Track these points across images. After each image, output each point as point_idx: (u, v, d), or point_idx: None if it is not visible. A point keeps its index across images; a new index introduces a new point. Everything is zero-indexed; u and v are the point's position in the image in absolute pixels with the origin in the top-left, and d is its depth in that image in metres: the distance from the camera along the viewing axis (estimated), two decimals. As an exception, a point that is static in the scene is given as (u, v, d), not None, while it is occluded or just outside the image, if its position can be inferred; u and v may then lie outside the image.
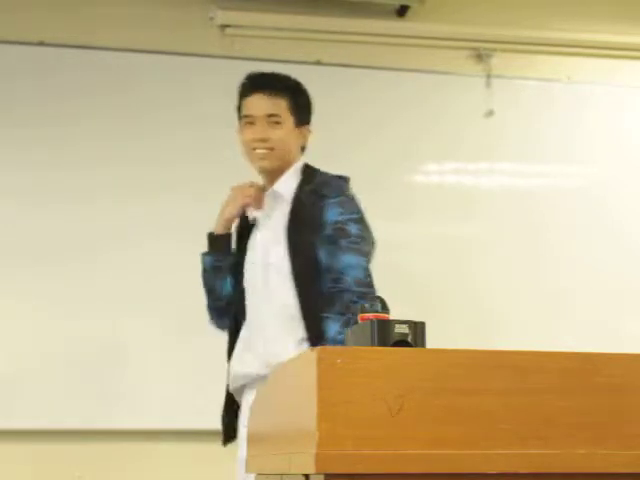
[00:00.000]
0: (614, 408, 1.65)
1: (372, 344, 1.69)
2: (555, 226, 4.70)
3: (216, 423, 4.16)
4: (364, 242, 2.74)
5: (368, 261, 2.74)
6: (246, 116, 2.88)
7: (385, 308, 1.86)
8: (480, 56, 4.80)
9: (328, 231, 2.73)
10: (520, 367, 1.63)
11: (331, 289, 2.68)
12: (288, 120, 2.85)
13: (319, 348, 1.57)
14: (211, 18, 4.55)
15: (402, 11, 4.75)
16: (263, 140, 2.82)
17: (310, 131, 2.95)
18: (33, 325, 4.16)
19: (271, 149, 2.82)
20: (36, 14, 4.40)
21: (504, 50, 4.79)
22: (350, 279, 2.67)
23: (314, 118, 4.78)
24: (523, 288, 4.59)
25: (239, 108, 2.94)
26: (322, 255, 2.72)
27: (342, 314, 2.63)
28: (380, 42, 4.69)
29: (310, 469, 1.53)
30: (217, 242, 2.95)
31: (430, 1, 4.70)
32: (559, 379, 1.64)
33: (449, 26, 4.79)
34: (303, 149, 2.94)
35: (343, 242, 2.71)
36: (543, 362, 1.65)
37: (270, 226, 2.84)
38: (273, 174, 2.87)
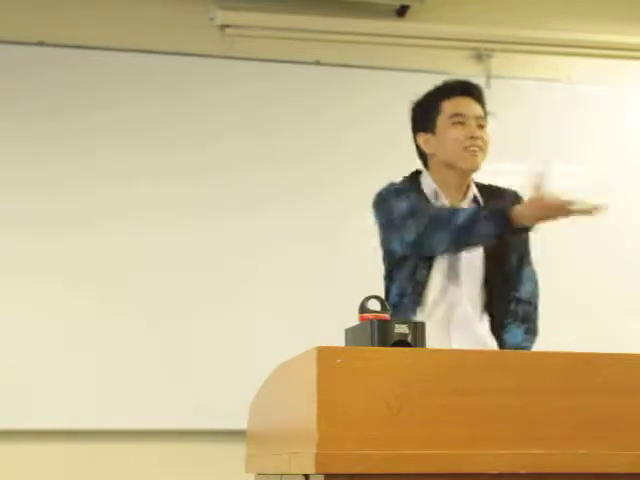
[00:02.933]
0: (614, 408, 1.65)
1: (372, 344, 1.69)
2: (554, 226, 4.69)
3: (216, 423, 4.19)
4: None
5: None
6: (456, 115, 2.88)
7: (385, 308, 1.85)
8: (480, 56, 4.80)
9: (516, 241, 2.94)
10: (520, 367, 1.63)
11: (510, 298, 2.90)
12: (486, 124, 2.92)
13: (319, 348, 1.57)
14: (211, 18, 4.55)
15: (402, 11, 4.75)
16: (477, 138, 2.86)
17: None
18: (33, 325, 4.16)
19: (481, 149, 2.87)
20: (36, 14, 4.40)
21: (504, 50, 4.79)
22: (527, 291, 3.00)
23: (315, 117, 4.81)
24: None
25: (431, 111, 2.94)
26: (509, 263, 2.93)
27: (523, 322, 2.94)
28: (380, 42, 4.69)
29: (310, 469, 1.53)
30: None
31: (430, 1, 4.70)
32: (559, 379, 1.64)
33: (449, 26, 4.79)
34: None
35: (528, 253, 3.04)
36: (543, 362, 1.65)
37: None
38: (468, 179, 2.93)
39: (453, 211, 2.77)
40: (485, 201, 2.92)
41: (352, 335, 1.81)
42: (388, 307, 1.86)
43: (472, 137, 2.85)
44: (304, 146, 4.51)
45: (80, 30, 4.42)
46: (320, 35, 4.63)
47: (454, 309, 2.80)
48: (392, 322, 1.71)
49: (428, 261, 2.81)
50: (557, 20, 4.90)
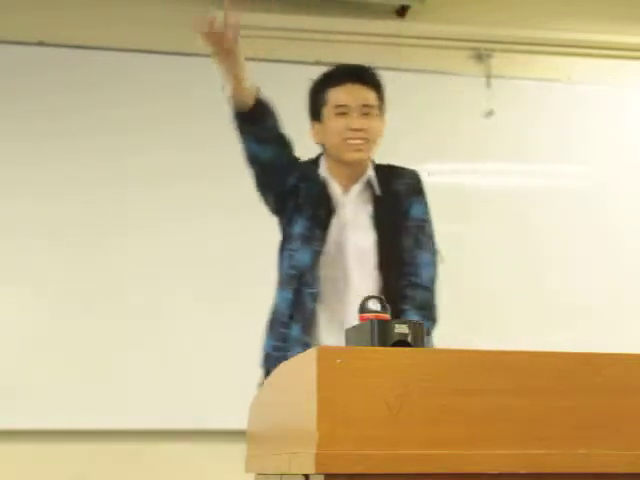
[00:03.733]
0: (614, 408, 1.65)
1: (372, 344, 1.69)
2: (555, 226, 4.70)
3: (216, 423, 4.19)
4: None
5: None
6: (339, 106, 2.79)
7: (385, 308, 1.85)
8: (480, 56, 4.80)
9: (411, 225, 2.81)
10: (520, 367, 1.63)
11: (405, 283, 2.74)
12: (377, 112, 2.81)
13: (319, 348, 1.57)
14: (211, 18, 4.55)
15: (402, 11, 4.75)
16: (360, 130, 2.76)
17: (386, 122, 2.89)
18: (33, 325, 4.16)
19: (366, 140, 2.78)
20: (36, 14, 4.40)
21: (504, 50, 4.79)
22: (424, 275, 2.78)
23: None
24: (522, 288, 4.58)
25: (319, 101, 2.87)
26: (403, 248, 2.78)
27: (421, 309, 2.73)
28: (380, 42, 4.69)
29: (310, 469, 1.53)
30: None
31: (430, 1, 4.70)
32: (559, 379, 1.64)
33: (449, 26, 4.79)
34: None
35: (423, 239, 2.81)
36: (543, 362, 1.65)
37: (357, 210, 2.81)
38: (360, 165, 2.82)
39: None
40: (382, 183, 2.82)
41: (352, 335, 1.81)
42: (388, 307, 1.86)
43: (352, 129, 2.75)
44: (303, 145, 4.49)
45: (80, 30, 4.42)
46: (320, 35, 4.63)
47: (345, 297, 2.72)
48: (392, 322, 1.71)
49: (310, 246, 2.77)
50: (557, 20, 4.91)
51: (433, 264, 2.81)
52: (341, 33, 4.66)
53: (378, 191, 2.81)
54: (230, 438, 3.85)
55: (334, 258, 2.75)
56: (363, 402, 1.54)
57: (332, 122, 2.79)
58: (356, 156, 2.78)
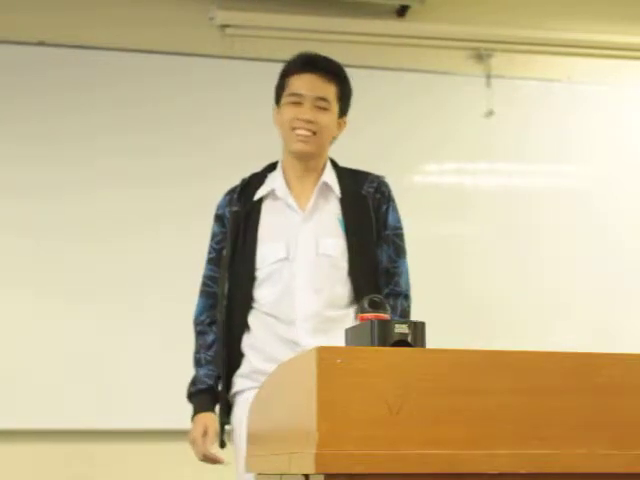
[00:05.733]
0: (614, 408, 1.65)
1: (372, 344, 1.69)
2: (555, 226, 4.70)
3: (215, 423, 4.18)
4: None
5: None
6: (293, 94, 2.74)
7: (384, 308, 1.85)
8: (480, 56, 4.80)
9: (390, 233, 2.76)
10: (520, 367, 1.63)
11: (388, 292, 2.71)
12: (334, 107, 2.75)
13: (319, 348, 1.57)
14: (211, 18, 4.56)
15: (402, 11, 4.75)
16: (309, 122, 2.70)
17: (346, 123, 2.85)
18: (33, 325, 4.16)
19: (314, 133, 2.71)
20: (36, 14, 4.41)
21: (504, 50, 4.79)
22: (404, 284, 2.75)
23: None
24: (523, 288, 4.59)
25: (281, 86, 2.82)
26: (383, 257, 2.73)
27: (402, 317, 2.69)
28: (380, 42, 4.69)
29: (310, 469, 1.53)
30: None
31: (430, 1, 4.71)
32: (559, 379, 1.64)
33: (449, 26, 4.79)
34: (333, 140, 2.86)
35: (403, 246, 2.77)
36: (543, 362, 1.65)
37: (321, 217, 2.73)
38: (307, 160, 2.76)
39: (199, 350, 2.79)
40: (342, 187, 2.74)
41: (352, 335, 1.81)
42: (388, 307, 1.86)
43: (300, 119, 2.70)
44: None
45: (80, 30, 4.42)
46: (320, 35, 4.62)
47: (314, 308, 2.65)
48: (392, 322, 1.71)
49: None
50: (557, 20, 4.91)
51: (408, 271, 2.78)
52: (341, 33, 4.66)
53: (339, 193, 2.74)
54: (230, 438, 3.85)
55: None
56: (363, 402, 1.54)
57: (285, 109, 2.76)
58: (299, 147, 2.72)
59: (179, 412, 4.17)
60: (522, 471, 1.57)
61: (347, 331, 1.84)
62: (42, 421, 4.11)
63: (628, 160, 4.86)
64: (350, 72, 4.64)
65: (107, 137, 4.35)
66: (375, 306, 1.83)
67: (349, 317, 2.59)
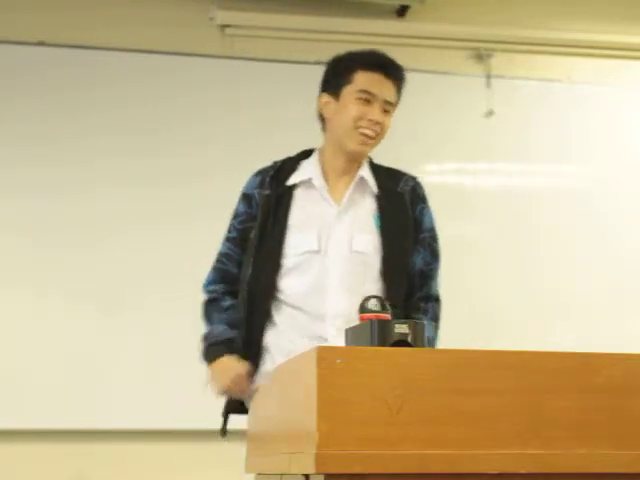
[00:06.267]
0: (614, 408, 1.65)
1: (372, 344, 1.69)
2: (555, 226, 4.70)
3: (216, 423, 4.18)
4: None
5: None
6: (364, 91, 2.62)
7: (385, 308, 1.85)
8: (480, 56, 4.80)
9: (426, 236, 2.72)
10: (520, 367, 1.63)
11: (421, 295, 2.67)
12: (392, 111, 2.69)
13: (319, 348, 1.57)
14: (211, 18, 4.56)
15: (402, 11, 4.75)
16: (377, 123, 2.62)
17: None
18: (33, 325, 4.16)
19: (377, 135, 2.64)
20: (36, 14, 4.41)
21: (504, 50, 4.79)
22: (435, 287, 2.72)
23: (315, 117, 4.79)
24: (523, 288, 4.58)
25: (343, 77, 2.68)
26: (417, 259, 2.68)
27: (434, 320, 2.65)
28: (380, 42, 4.66)
29: (310, 469, 1.53)
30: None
31: (430, 1, 4.70)
32: (559, 379, 1.64)
33: (449, 26, 4.79)
34: None
35: (437, 250, 2.74)
36: (543, 362, 1.65)
37: (356, 213, 2.64)
38: (358, 160, 2.69)
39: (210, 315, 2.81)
40: (378, 184, 2.68)
41: (352, 335, 1.81)
42: (388, 307, 1.86)
43: (371, 120, 2.61)
44: (304, 146, 4.50)
45: (80, 30, 4.42)
46: (320, 35, 4.63)
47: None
48: (392, 322, 1.71)
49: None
50: (557, 20, 4.91)
51: (437, 276, 2.75)
52: (341, 33, 4.65)
53: (375, 190, 2.67)
54: (230, 438, 3.85)
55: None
56: (363, 402, 1.54)
57: (351, 106, 2.62)
58: (360, 149, 2.65)
59: (179, 412, 4.19)
60: (522, 471, 1.57)
61: (347, 331, 1.84)
62: (42, 421, 4.11)
63: (628, 160, 4.86)
64: (350, 72, 4.69)
65: (107, 137, 4.35)
66: (375, 306, 1.83)
67: None
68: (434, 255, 2.73)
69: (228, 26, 4.57)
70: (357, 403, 1.54)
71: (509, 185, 4.78)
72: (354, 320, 2.53)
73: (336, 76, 2.70)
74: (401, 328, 1.69)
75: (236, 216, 2.75)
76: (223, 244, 2.77)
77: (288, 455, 1.68)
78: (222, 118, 4.48)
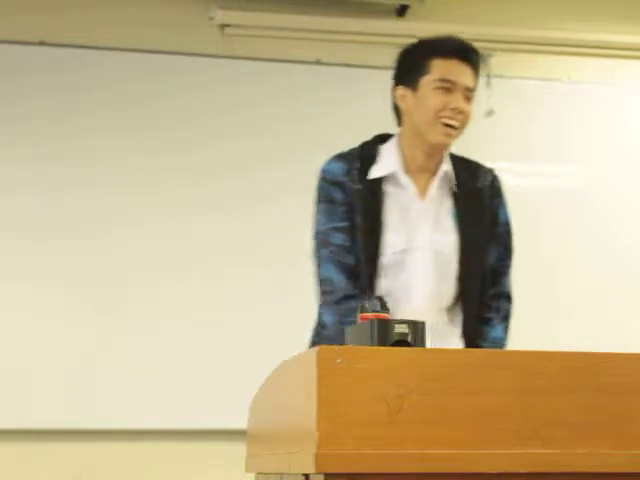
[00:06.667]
0: (614, 408, 1.65)
1: (372, 344, 1.69)
2: (555, 225, 4.69)
3: (216, 423, 4.18)
4: None
5: None
6: (444, 80, 2.49)
7: (385, 308, 1.85)
8: (480, 56, 4.79)
9: (501, 231, 2.66)
10: (520, 367, 1.63)
11: (494, 292, 2.62)
12: (473, 97, 2.57)
13: (319, 348, 1.57)
14: (211, 18, 4.55)
15: (402, 11, 4.75)
16: (460, 112, 2.49)
17: None
18: (33, 325, 4.16)
19: (461, 124, 2.52)
20: (36, 14, 4.40)
21: (504, 50, 4.79)
22: (507, 284, 2.66)
23: (315, 116, 4.79)
24: (523, 288, 4.56)
25: (420, 67, 2.53)
26: (493, 254, 2.62)
27: (505, 319, 2.62)
28: (380, 42, 4.68)
29: (310, 469, 1.53)
30: None
31: (430, 1, 4.70)
32: (559, 379, 1.64)
33: (449, 26, 4.77)
34: None
35: (511, 246, 2.67)
36: (543, 362, 1.65)
37: (437, 210, 2.56)
38: (440, 153, 2.57)
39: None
40: (458, 179, 2.57)
41: (352, 335, 1.81)
42: (388, 307, 1.86)
43: (454, 109, 2.49)
44: (304, 146, 4.51)
45: (81, 30, 4.42)
46: (320, 35, 4.63)
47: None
48: (392, 322, 1.71)
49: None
50: (557, 20, 4.90)
51: (510, 275, 2.67)
52: (341, 33, 4.65)
53: (455, 188, 2.57)
54: (230, 438, 3.85)
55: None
56: (363, 402, 1.54)
57: (431, 96, 2.48)
58: (442, 140, 2.51)
59: (179, 412, 4.19)
60: (522, 471, 1.57)
61: (347, 331, 1.84)
62: (42, 421, 4.11)
63: (628, 160, 4.85)
64: (350, 72, 4.69)
65: (107, 136, 4.34)
66: (375, 306, 1.83)
67: (454, 319, 2.53)
68: (507, 251, 2.66)
69: (228, 26, 4.57)
70: (357, 403, 1.54)
71: (509, 185, 4.72)
72: (433, 324, 2.37)
73: (411, 67, 2.55)
74: (401, 328, 1.69)
75: (337, 204, 2.53)
76: (331, 235, 2.53)
77: (288, 455, 1.68)
78: (222, 117, 4.48)
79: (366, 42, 4.69)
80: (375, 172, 2.54)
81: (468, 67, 2.54)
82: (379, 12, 4.73)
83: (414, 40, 2.60)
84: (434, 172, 2.58)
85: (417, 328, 1.71)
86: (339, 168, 2.55)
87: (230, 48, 4.56)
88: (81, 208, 4.28)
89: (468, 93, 2.53)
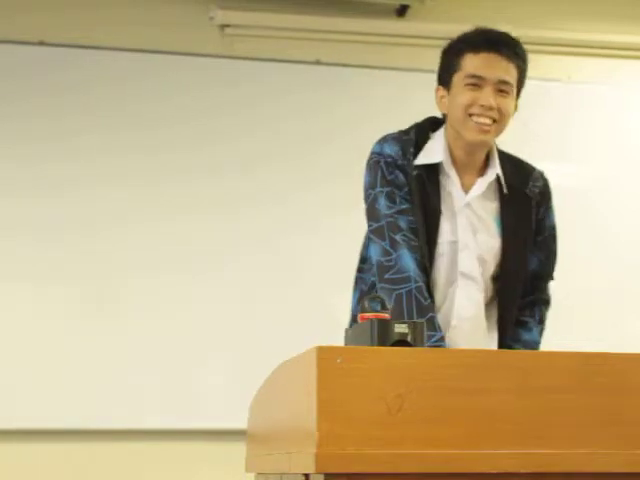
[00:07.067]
0: (614, 408, 1.65)
1: (372, 344, 1.69)
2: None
3: (216, 423, 4.19)
4: None
5: None
6: (472, 76, 2.42)
7: (385, 308, 1.85)
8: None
9: (545, 237, 2.60)
10: (520, 367, 1.63)
11: (534, 298, 2.60)
12: (513, 92, 2.47)
13: (319, 347, 1.57)
14: (211, 18, 4.56)
15: (402, 11, 4.75)
16: (490, 108, 2.42)
17: (518, 108, 2.58)
18: (33, 325, 4.16)
19: (494, 121, 2.45)
20: (36, 14, 4.40)
21: (504, 50, 4.78)
22: (547, 289, 2.63)
23: (315, 116, 4.79)
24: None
25: (452, 66, 2.48)
26: (534, 260, 2.57)
27: (541, 323, 2.61)
28: (380, 42, 4.69)
29: (310, 469, 1.53)
30: None
31: (430, 1, 4.70)
32: (560, 379, 1.64)
33: (449, 26, 4.77)
34: None
35: (555, 251, 2.61)
36: (543, 362, 1.65)
37: (480, 211, 2.52)
38: (481, 149, 2.52)
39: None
40: (507, 182, 2.53)
41: (352, 335, 1.81)
42: (388, 306, 1.86)
43: (482, 105, 2.41)
44: (303, 145, 4.51)
45: (80, 30, 4.42)
46: (320, 35, 4.63)
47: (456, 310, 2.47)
48: (392, 322, 1.71)
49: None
50: (557, 20, 4.91)
51: (553, 275, 2.63)
52: (341, 33, 4.66)
53: (505, 188, 2.54)
54: (230, 438, 3.85)
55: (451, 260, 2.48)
56: (363, 402, 1.54)
57: (460, 93, 2.44)
58: (479, 138, 2.46)
59: (179, 412, 4.19)
60: (522, 471, 1.57)
61: (347, 331, 1.84)
62: (42, 421, 4.11)
63: (628, 160, 4.85)
64: (350, 72, 4.69)
65: (107, 136, 4.35)
66: (375, 305, 1.83)
67: (490, 317, 2.51)
68: (550, 256, 2.61)
69: (228, 26, 4.57)
70: (357, 403, 1.54)
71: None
72: (479, 328, 2.46)
73: (447, 65, 2.51)
74: (401, 328, 1.69)
75: (397, 186, 2.46)
76: (397, 217, 2.44)
77: (288, 455, 1.68)
78: (222, 117, 4.48)
79: (366, 42, 4.69)
80: (424, 158, 2.50)
81: (503, 60, 2.44)
82: (379, 12, 4.73)
83: (454, 37, 2.54)
84: (480, 172, 2.55)
85: (417, 328, 1.71)
86: (395, 149, 2.50)
87: (230, 48, 4.56)
88: (81, 207, 4.28)
89: (503, 86, 2.44)
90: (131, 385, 4.15)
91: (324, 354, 1.55)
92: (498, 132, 2.51)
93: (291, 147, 4.49)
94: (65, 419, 4.12)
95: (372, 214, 2.47)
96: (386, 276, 2.39)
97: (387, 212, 2.44)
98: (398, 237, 2.42)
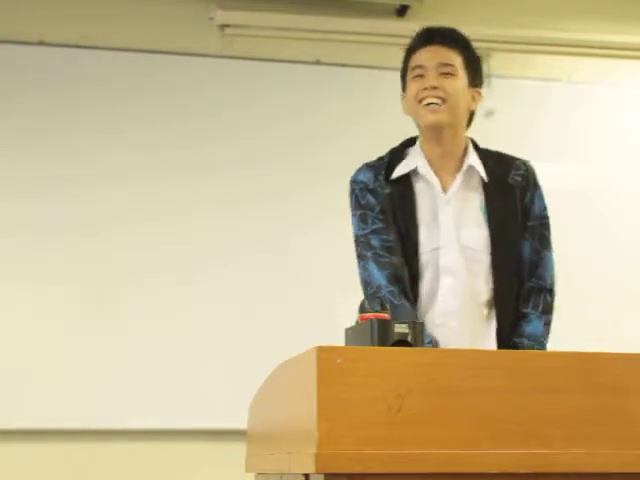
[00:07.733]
0: (614, 408, 1.65)
1: (372, 344, 1.69)
2: (554, 226, 4.67)
3: (216, 423, 4.19)
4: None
5: None
6: (415, 67, 2.55)
7: (385, 308, 1.85)
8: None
9: (535, 224, 2.63)
10: (520, 367, 1.63)
11: (531, 285, 2.56)
12: (461, 76, 2.56)
13: (319, 347, 1.57)
14: (211, 18, 4.55)
15: (402, 11, 4.75)
16: (434, 88, 2.50)
17: (482, 95, 2.67)
18: (33, 325, 4.16)
19: (443, 100, 2.51)
20: (36, 14, 4.40)
21: (504, 50, 4.79)
22: (549, 277, 2.59)
23: (315, 116, 4.79)
24: (523, 288, 4.58)
25: (405, 69, 2.62)
26: (526, 248, 2.58)
27: (545, 313, 2.56)
28: (380, 42, 4.69)
29: (310, 469, 1.53)
30: None
31: (430, 1, 4.70)
32: (559, 379, 1.64)
33: (449, 26, 4.78)
34: (472, 116, 2.70)
35: (548, 238, 2.64)
36: (543, 362, 1.65)
37: (463, 204, 2.56)
38: (444, 133, 2.57)
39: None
40: (488, 172, 2.60)
41: (352, 335, 1.81)
42: (388, 307, 1.86)
43: (426, 88, 2.50)
44: (303, 145, 4.51)
45: (80, 29, 4.42)
46: (320, 35, 4.63)
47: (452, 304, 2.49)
48: (392, 322, 1.71)
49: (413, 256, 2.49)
50: (556, 20, 4.90)
51: (554, 264, 2.61)
52: (341, 33, 4.66)
53: (486, 178, 2.59)
54: (230, 438, 3.85)
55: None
56: (363, 402, 1.54)
57: (410, 87, 2.56)
58: (432, 118, 2.52)
59: (180, 412, 4.19)
60: (522, 471, 1.57)
61: (347, 331, 1.84)
62: (42, 421, 4.11)
63: (627, 160, 4.85)
64: (350, 72, 4.69)
65: (106, 136, 4.35)
66: (377, 305, 1.83)
67: (490, 318, 2.51)
68: (543, 243, 2.63)
69: (228, 26, 4.57)
70: (357, 403, 1.54)
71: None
72: (468, 321, 2.46)
73: (402, 72, 2.66)
74: (401, 328, 1.69)
75: (371, 208, 2.56)
76: (370, 237, 2.54)
77: (288, 455, 1.68)
78: (222, 117, 4.48)
79: (366, 42, 4.69)
80: (399, 171, 2.59)
81: (439, 48, 2.57)
82: (379, 12, 4.73)
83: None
84: (458, 170, 2.60)
85: (417, 328, 1.71)
86: (367, 175, 2.62)
87: (230, 48, 4.56)
88: (81, 207, 4.28)
89: (444, 69, 2.54)
90: (131, 385, 4.15)
91: (324, 354, 1.55)
92: (450, 111, 2.55)
93: (291, 147, 4.49)
94: (65, 419, 4.12)
95: (354, 238, 2.61)
96: (367, 293, 2.50)
97: (360, 233, 2.57)
98: (369, 254, 2.52)
